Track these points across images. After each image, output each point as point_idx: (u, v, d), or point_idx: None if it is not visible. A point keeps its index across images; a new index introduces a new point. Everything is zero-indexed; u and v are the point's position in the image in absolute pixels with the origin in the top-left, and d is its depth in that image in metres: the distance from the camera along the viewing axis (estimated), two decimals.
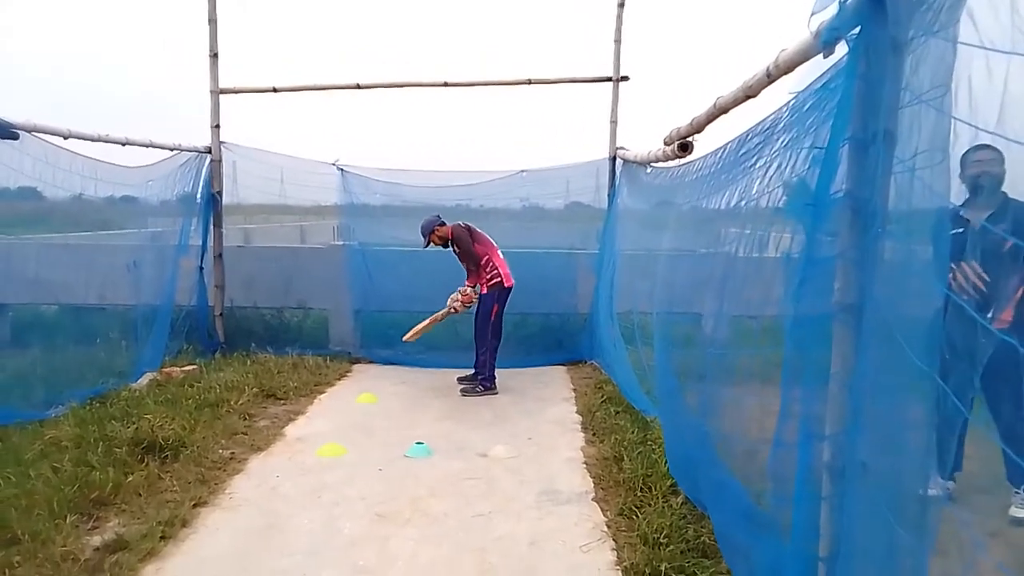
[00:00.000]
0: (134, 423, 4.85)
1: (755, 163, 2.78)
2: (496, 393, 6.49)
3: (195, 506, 3.93)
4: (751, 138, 2.94)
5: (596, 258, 7.58)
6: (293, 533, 3.71)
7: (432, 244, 6.56)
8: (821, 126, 2.13)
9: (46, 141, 5.39)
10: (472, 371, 6.68)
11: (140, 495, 4.02)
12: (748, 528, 2.71)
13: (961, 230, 3.00)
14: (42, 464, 4.21)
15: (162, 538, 3.53)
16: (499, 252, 6.57)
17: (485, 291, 6.49)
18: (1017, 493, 3.60)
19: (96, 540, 3.50)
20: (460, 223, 6.61)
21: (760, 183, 2.67)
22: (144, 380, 6.19)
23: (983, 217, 3.25)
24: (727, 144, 3.36)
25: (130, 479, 4.12)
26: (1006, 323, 3.14)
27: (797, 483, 2.09)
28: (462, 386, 6.61)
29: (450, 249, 6.63)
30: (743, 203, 2.90)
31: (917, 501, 1.74)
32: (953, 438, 1.64)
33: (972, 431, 2.59)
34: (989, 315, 3.16)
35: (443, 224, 6.55)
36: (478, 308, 6.55)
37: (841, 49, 2.03)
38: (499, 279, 6.44)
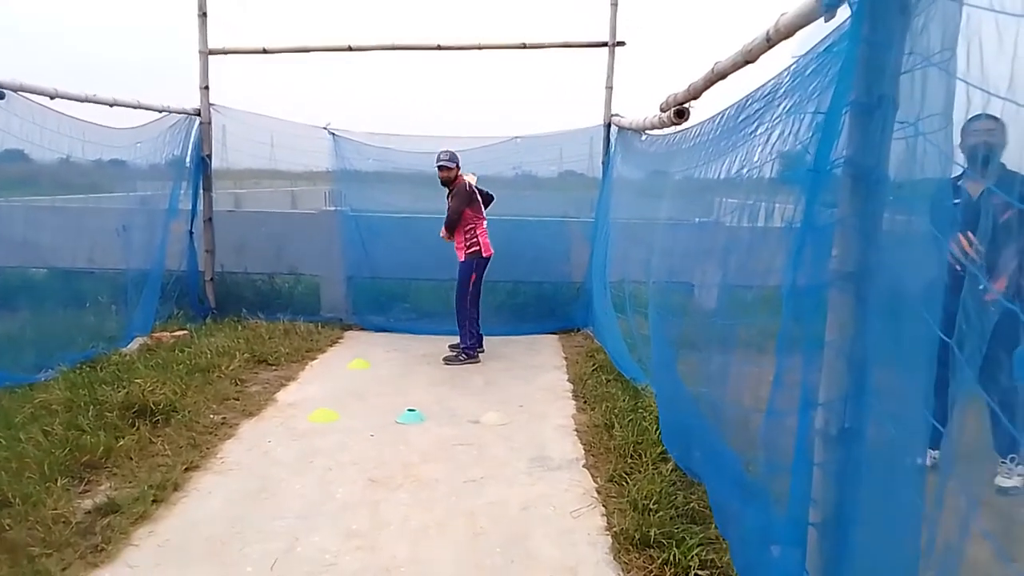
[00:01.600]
0: (125, 387, 4.83)
1: (755, 129, 2.74)
2: (479, 361, 6.49)
3: (187, 470, 3.94)
4: (751, 104, 2.89)
5: (592, 227, 7.55)
6: (285, 497, 3.72)
7: (441, 173, 6.43)
8: (824, 91, 2.09)
9: (33, 101, 5.29)
10: None
11: (131, 459, 4.02)
12: (742, 496, 2.72)
13: (958, 200, 2.98)
14: (32, 427, 4.19)
15: (154, 501, 3.54)
16: (485, 223, 6.52)
17: (463, 259, 6.45)
18: (1003, 462, 3.63)
19: (87, 503, 3.50)
20: (468, 184, 6.50)
21: (761, 150, 2.64)
22: (134, 345, 6.17)
23: (981, 188, 3.22)
24: (725, 110, 3.32)
25: (121, 443, 4.12)
26: (998, 294, 3.14)
27: (796, 451, 2.09)
28: (446, 355, 6.60)
29: (445, 192, 6.53)
30: (743, 171, 2.87)
31: (907, 468, 1.75)
32: (942, 406, 1.64)
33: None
34: (981, 286, 3.15)
35: (459, 168, 6.47)
36: (457, 277, 6.51)
37: (843, 13, 1.99)
38: (478, 248, 6.41)
